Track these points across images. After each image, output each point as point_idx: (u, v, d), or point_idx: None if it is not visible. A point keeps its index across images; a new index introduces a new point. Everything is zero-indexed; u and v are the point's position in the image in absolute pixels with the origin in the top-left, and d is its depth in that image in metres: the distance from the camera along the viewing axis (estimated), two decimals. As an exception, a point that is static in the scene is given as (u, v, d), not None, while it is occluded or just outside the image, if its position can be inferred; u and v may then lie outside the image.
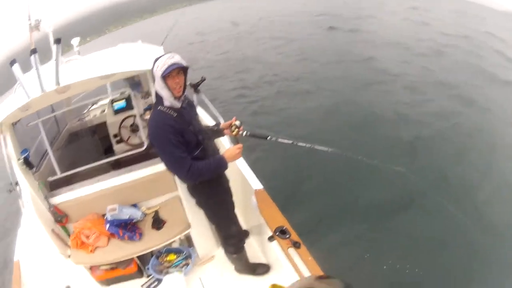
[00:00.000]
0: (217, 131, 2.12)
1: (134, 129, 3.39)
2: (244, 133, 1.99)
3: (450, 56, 8.87)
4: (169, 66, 1.61)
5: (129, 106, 3.46)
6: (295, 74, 8.58)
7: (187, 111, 1.83)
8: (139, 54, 2.85)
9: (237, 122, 2.00)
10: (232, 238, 2.21)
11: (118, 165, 2.75)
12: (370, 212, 3.71)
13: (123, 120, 3.43)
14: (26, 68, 1.96)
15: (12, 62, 1.86)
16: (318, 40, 11.55)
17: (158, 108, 1.74)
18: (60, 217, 2.43)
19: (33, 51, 1.88)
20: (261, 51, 11.39)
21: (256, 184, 2.50)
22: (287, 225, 2.11)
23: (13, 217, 3.45)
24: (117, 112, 3.52)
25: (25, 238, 2.61)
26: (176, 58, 1.65)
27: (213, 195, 2.00)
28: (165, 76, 1.63)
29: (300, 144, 2.02)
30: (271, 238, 2.18)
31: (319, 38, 11.87)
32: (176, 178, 2.34)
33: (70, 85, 1.98)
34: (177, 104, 1.75)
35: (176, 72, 1.66)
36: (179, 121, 1.73)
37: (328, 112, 6.21)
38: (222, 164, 1.84)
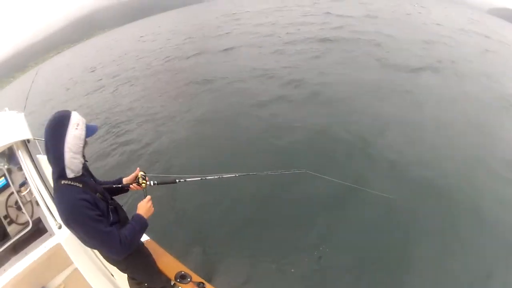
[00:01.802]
0: (120, 188, 1.84)
1: (19, 206, 3.11)
2: (152, 183, 1.82)
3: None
4: (92, 126, 1.44)
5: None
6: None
7: (87, 177, 1.59)
8: (2, 127, 2.79)
9: (142, 173, 1.80)
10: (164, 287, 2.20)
11: (15, 249, 2.59)
12: (267, 237, 3.51)
13: (7, 199, 3.13)
14: None
15: None
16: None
17: (62, 183, 1.41)
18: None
19: None
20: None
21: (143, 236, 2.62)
22: (184, 269, 2.12)
23: None
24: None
25: None
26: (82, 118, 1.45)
27: (139, 257, 1.88)
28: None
29: (209, 177, 1.94)
30: (173, 286, 2.19)
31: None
32: (68, 250, 2.27)
33: None
34: (80, 171, 1.47)
35: None
36: (88, 191, 1.46)
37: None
38: (143, 223, 1.65)
